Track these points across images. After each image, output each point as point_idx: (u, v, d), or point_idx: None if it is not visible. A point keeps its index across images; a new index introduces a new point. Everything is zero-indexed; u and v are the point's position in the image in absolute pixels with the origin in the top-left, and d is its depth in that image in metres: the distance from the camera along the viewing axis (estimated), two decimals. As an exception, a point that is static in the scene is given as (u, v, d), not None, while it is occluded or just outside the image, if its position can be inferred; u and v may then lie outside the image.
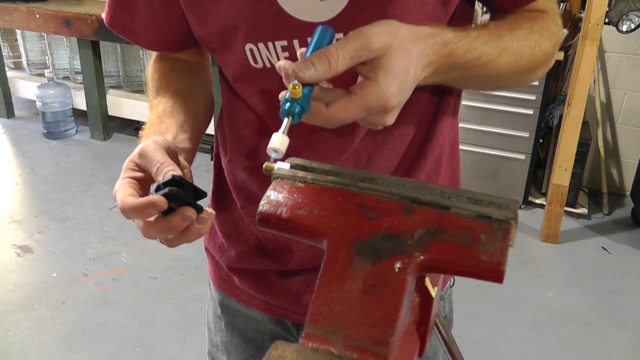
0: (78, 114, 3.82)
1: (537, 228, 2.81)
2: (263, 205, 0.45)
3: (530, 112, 2.78)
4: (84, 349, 1.97)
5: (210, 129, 0.84)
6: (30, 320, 2.10)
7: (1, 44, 3.95)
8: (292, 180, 0.46)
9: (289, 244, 0.75)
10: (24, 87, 3.93)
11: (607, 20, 2.48)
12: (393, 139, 0.69)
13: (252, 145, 0.73)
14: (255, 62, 0.67)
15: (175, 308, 2.19)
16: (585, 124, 2.82)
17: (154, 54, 0.81)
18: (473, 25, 0.67)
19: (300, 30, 0.62)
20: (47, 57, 3.92)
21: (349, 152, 0.69)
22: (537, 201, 3.04)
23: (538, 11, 0.67)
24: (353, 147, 0.69)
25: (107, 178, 3.22)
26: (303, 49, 0.52)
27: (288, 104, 0.48)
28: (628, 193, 3.21)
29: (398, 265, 0.39)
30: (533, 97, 2.74)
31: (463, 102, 2.59)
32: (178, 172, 0.54)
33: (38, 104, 3.63)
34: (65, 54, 3.83)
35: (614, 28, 2.53)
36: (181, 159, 0.63)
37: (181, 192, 0.52)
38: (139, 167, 0.58)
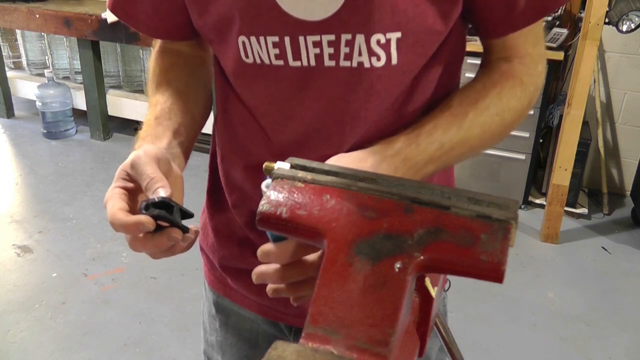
0: (78, 114, 3.82)
1: (537, 228, 2.81)
2: (263, 205, 0.45)
3: (530, 112, 2.76)
4: (84, 349, 1.97)
5: (208, 129, 0.84)
6: (30, 320, 2.10)
7: (1, 44, 3.95)
8: (292, 180, 0.46)
9: None
10: (24, 87, 3.93)
11: (607, 20, 2.48)
12: None
13: (246, 143, 0.72)
14: (247, 56, 0.66)
15: (175, 308, 2.19)
16: (585, 124, 2.82)
17: (156, 45, 0.81)
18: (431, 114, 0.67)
19: (292, 27, 0.62)
20: (47, 57, 3.92)
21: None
22: (537, 201, 3.04)
23: (517, 58, 0.68)
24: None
25: (107, 178, 3.22)
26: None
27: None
28: (628, 193, 3.21)
29: (398, 265, 0.39)
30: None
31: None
32: (167, 191, 0.56)
33: (38, 104, 3.63)
34: (65, 54, 3.83)
35: (614, 28, 2.53)
36: (174, 166, 0.64)
37: (169, 215, 0.54)
38: (130, 178, 0.60)
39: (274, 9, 0.62)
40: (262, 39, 0.64)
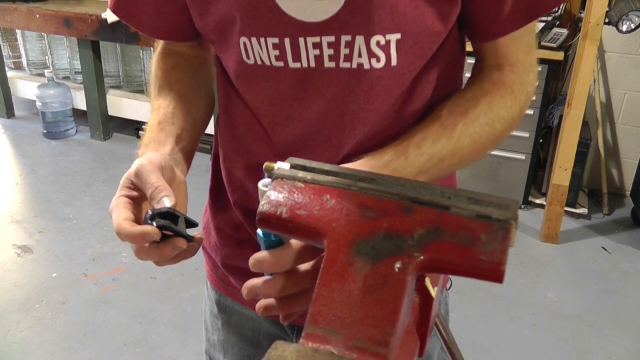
0: (78, 114, 3.82)
1: (537, 228, 2.81)
2: (263, 205, 0.45)
3: (530, 112, 2.78)
4: (84, 349, 1.98)
5: (210, 129, 0.84)
6: (30, 320, 2.10)
7: (1, 44, 3.95)
8: (292, 180, 0.46)
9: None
10: (24, 87, 3.94)
11: (607, 20, 2.48)
12: None
13: (248, 143, 0.73)
14: (248, 57, 0.66)
15: (175, 308, 2.19)
16: (585, 124, 2.82)
17: (158, 47, 0.81)
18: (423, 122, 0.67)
19: (292, 28, 0.62)
20: (47, 57, 3.92)
21: (340, 162, 0.69)
22: (537, 201, 3.04)
23: (508, 66, 0.68)
24: (343, 156, 0.68)
25: (107, 178, 3.23)
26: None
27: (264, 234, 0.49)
28: (628, 193, 3.21)
29: (398, 265, 0.39)
30: (533, 97, 2.74)
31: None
32: (172, 200, 0.57)
33: (38, 104, 3.63)
34: (65, 54, 3.83)
35: (614, 28, 2.53)
36: (177, 172, 0.65)
37: (174, 226, 0.55)
38: (135, 186, 0.61)
39: (274, 10, 0.62)
40: (262, 40, 0.64)
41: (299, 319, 0.80)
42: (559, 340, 2.12)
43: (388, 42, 0.62)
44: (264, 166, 0.50)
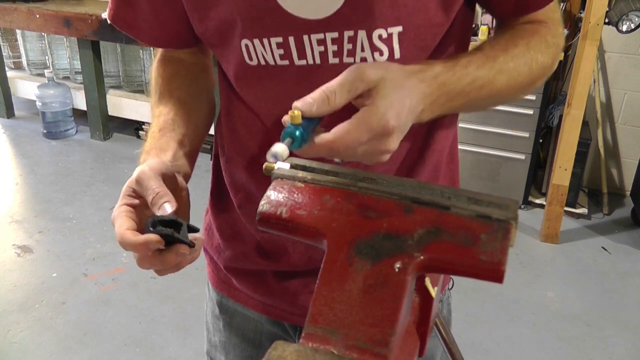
0: (78, 114, 3.82)
1: (537, 228, 2.81)
2: (263, 205, 0.45)
3: (530, 112, 2.78)
4: (84, 349, 1.97)
5: (211, 129, 0.84)
6: (30, 320, 2.10)
7: (1, 44, 3.95)
8: (292, 180, 0.46)
9: (285, 245, 0.75)
10: (24, 87, 3.93)
11: (607, 20, 2.48)
12: None
13: (250, 145, 0.73)
14: (250, 58, 0.67)
15: (175, 308, 2.19)
16: (585, 124, 2.82)
17: (158, 53, 0.82)
18: (469, 49, 0.68)
19: (295, 27, 0.62)
20: (47, 57, 3.92)
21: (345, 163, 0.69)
22: (537, 201, 3.04)
23: (538, 22, 0.68)
24: None
25: (107, 178, 3.22)
26: (286, 117, 0.52)
27: (289, 127, 0.51)
28: (628, 193, 3.21)
29: (398, 265, 0.39)
30: (533, 97, 2.75)
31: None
32: (173, 205, 0.57)
33: (38, 104, 3.63)
34: (65, 54, 3.83)
35: (614, 28, 2.53)
36: (179, 178, 0.65)
37: (177, 233, 0.56)
38: (136, 194, 0.61)
39: (277, 10, 0.62)
40: (265, 40, 0.64)
41: (301, 319, 0.80)
42: (559, 340, 2.12)
43: (390, 36, 0.62)
44: (264, 166, 0.50)
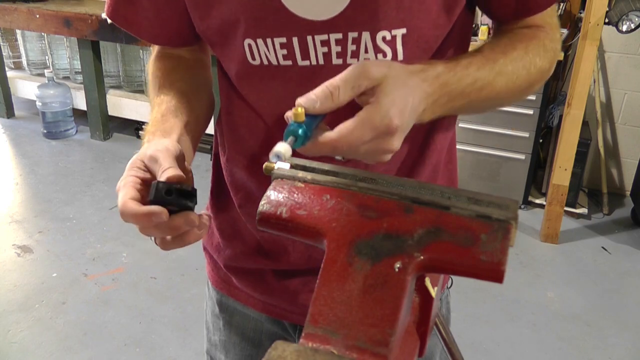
0: (78, 114, 3.82)
1: (537, 228, 2.81)
2: (263, 205, 0.45)
3: (530, 112, 2.78)
4: (84, 349, 1.97)
5: (210, 129, 0.84)
6: (30, 320, 2.10)
7: (1, 44, 3.95)
8: (292, 180, 0.46)
9: (285, 244, 0.75)
10: (24, 87, 3.93)
11: (607, 20, 2.48)
12: None
13: (251, 144, 0.73)
14: (253, 58, 0.67)
15: (175, 308, 2.19)
16: (585, 124, 2.82)
17: (154, 51, 0.81)
18: (469, 50, 0.69)
19: (300, 28, 0.63)
20: (47, 57, 3.92)
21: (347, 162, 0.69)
22: (537, 201, 3.04)
23: (536, 26, 0.69)
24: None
25: (107, 178, 3.22)
26: (289, 113, 0.52)
27: (292, 125, 0.50)
28: (628, 193, 3.21)
29: (398, 265, 0.39)
30: (533, 97, 2.75)
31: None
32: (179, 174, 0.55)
33: (38, 104, 3.63)
34: (65, 54, 3.83)
35: (614, 28, 2.53)
36: (185, 163, 0.64)
37: (189, 202, 0.54)
38: (147, 169, 0.59)
39: (281, 10, 0.62)
40: (269, 40, 0.64)
41: (300, 318, 0.80)
42: (559, 340, 2.12)
43: (394, 37, 0.62)
44: (264, 166, 0.50)
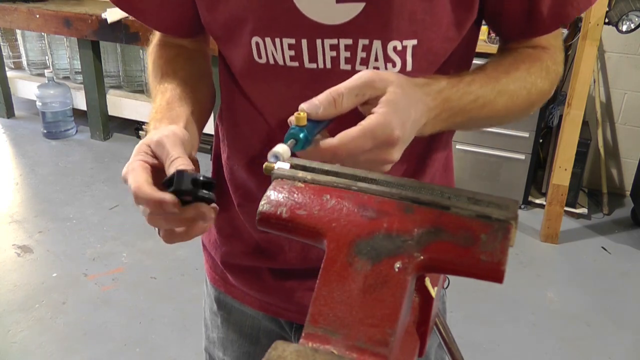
0: (78, 114, 3.82)
1: (537, 228, 2.81)
2: (263, 205, 0.45)
3: (530, 112, 2.77)
4: (84, 349, 1.97)
5: (210, 128, 0.84)
6: (30, 320, 2.10)
7: (1, 44, 3.95)
8: (292, 180, 0.46)
9: (281, 243, 0.75)
10: (24, 87, 3.93)
11: (607, 20, 2.48)
12: None
13: (252, 142, 0.73)
14: (260, 56, 0.66)
15: (175, 308, 2.19)
16: (585, 124, 2.82)
17: (155, 38, 0.80)
18: (471, 68, 0.70)
19: (310, 30, 0.62)
20: (47, 57, 3.92)
21: None
22: (537, 201, 3.04)
23: (540, 47, 0.70)
24: None
25: (107, 178, 3.22)
26: (292, 117, 0.52)
27: (294, 129, 0.50)
28: (628, 193, 3.21)
29: (398, 265, 0.39)
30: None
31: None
32: (191, 167, 0.54)
33: (38, 104, 3.63)
34: (65, 54, 3.83)
35: (614, 28, 2.53)
36: (192, 152, 0.63)
37: (208, 191, 0.53)
38: (153, 154, 0.58)
39: (292, 11, 0.62)
40: (277, 40, 0.64)
41: (296, 316, 0.81)
42: (559, 340, 2.12)
43: (405, 48, 0.63)
44: (263, 166, 0.50)
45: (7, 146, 3.62)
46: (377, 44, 0.62)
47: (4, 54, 3.93)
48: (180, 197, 0.53)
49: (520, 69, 0.67)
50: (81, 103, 3.72)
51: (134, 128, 3.80)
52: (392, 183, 0.44)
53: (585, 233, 2.84)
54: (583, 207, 3.00)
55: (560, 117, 2.84)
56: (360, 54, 0.63)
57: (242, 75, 0.70)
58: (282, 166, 0.48)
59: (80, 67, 3.62)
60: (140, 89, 3.64)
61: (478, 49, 0.83)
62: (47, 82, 3.62)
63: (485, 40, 2.64)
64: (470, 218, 0.41)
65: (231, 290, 0.86)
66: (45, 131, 3.72)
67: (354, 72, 0.63)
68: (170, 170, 0.55)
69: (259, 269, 0.80)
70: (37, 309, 2.16)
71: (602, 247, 2.72)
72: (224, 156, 0.79)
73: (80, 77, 3.71)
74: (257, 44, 0.65)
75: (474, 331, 2.13)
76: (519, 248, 2.68)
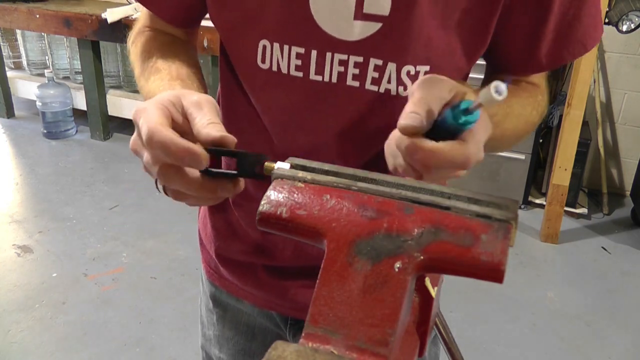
0: (78, 114, 3.82)
1: (537, 228, 2.81)
2: (263, 205, 0.45)
3: (530, 112, 2.78)
4: (84, 349, 1.97)
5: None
6: (30, 320, 2.10)
7: (1, 44, 3.95)
8: (292, 180, 0.46)
9: (276, 241, 0.76)
10: (24, 87, 3.93)
11: (607, 20, 2.48)
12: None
13: (251, 141, 0.72)
14: (263, 61, 0.66)
15: (175, 308, 2.19)
16: (585, 124, 2.82)
17: (139, 23, 0.77)
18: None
19: (322, 42, 0.62)
20: (47, 57, 3.92)
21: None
22: (537, 201, 3.04)
23: (532, 84, 0.72)
24: None
25: (107, 178, 3.22)
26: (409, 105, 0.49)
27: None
28: (628, 193, 3.21)
29: (398, 265, 0.39)
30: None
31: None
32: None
33: (38, 104, 3.63)
34: (65, 54, 3.83)
35: (614, 28, 2.53)
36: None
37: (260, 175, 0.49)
38: (181, 111, 0.51)
39: (308, 20, 0.61)
40: (286, 47, 0.63)
41: (291, 311, 0.81)
42: (559, 340, 2.12)
43: (417, 73, 0.63)
44: (264, 166, 0.50)
45: (7, 146, 3.62)
46: (391, 67, 0.62)
47: (4, 54, 3.93)
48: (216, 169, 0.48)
49: (522, 96, 0.69)
50: (81, 103, 3.72)
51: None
52: (392, 183, 0.44)
53: (585, 233, 2.84)
54: (583, 207, 3.01)
55: (560, 117, 2.84)
56: (372, 74, 0.63)
57: (245, 78, 0.70)
58: (282, 166, 0.48)
59: (80, 67, 3.62)
60: (140, 89, 3.64)
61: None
62: (47, 82, 3.62)
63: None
64: (470, 218, 0.41)
65: (226, 284, 0.86)
66: (45, 131, 3.72)
67: (363, 90, 0.63)
68: (205, 132, 0.46)
69: (254, 265, 0.81)
70: (37, 309, 2.16)
71: (602, 247, 2.72)
72: None
73: (80, 77, 3.71)
74: (265, 47, 0.64)
75: (474, 331, 2.13)
76: (519, 248, 2.68)
